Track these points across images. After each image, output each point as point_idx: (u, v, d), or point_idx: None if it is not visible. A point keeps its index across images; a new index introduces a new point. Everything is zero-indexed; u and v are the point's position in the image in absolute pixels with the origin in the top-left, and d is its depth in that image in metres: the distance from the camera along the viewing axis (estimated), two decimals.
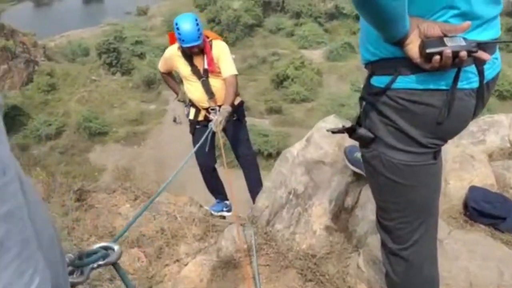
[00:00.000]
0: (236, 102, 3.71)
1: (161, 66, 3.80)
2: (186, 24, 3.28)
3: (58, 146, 26.81)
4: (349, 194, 2.28)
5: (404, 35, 1.13)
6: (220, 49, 3.51)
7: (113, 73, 34.19)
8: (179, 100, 3.92)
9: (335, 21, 41.77)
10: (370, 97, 1.33)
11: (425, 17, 1.16)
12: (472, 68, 1.17)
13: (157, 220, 3.22)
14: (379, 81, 1.28)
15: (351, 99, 28.30)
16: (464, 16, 1.14)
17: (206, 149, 3.61)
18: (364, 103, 1.37)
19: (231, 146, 3.94)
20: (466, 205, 2.17)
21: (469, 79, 1.19)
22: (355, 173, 2.28)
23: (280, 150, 23.25)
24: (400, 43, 1.15)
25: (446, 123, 1.22)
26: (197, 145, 3.40)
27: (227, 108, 3.39)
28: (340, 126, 1.51)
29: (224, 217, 3.94)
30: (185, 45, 3.34)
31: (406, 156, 1.28)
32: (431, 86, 1.19)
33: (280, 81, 32.35)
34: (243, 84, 34.25)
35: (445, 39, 1.11)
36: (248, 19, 39.68)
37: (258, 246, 2.42)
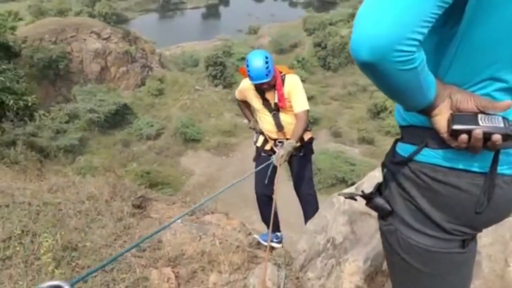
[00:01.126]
0: (306, 138, 3.65)
1: (237, 94, 3.87)
2: (256, 62, 3.28)
3: (155, 146, 28.70)
4: None
5: (428, 105, 0.97)
6: (292, 84, 3.46)
7: (216, 85, 36.01)
8: (250, 127, 3.97)
9: None
10: (392, 165, 1.16)
11: (463, 86, 0.97)
12: None
13: (201, 241, 3.20)
14: (403, 149, 1.12)
15: None
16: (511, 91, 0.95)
17: (266, 182, 3.57)
18: (385, 170, 1.19)
19: (293, 181, 3.84)
20: None
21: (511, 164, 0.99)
22: None
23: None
24: (426, 112, 0.99)
25: (485, 212, 1.01)
26: (253, 171, 3.48)
27: (292, 143, 3.32)
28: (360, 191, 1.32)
29: (272, 248, 3.81)
30: (253, 82, 3.36)
31: (425, 239, 1.09)
32: (460, 166, 1.00)
33: (377, 112, 31.36)
34: (339, 110, 33.87)
35: (480, 116, 0.92)
36: None
37: None
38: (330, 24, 43.00)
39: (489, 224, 1.11)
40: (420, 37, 0.84)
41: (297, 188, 3.87)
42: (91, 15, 38.35)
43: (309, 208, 3.88)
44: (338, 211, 2.31)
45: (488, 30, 0.89)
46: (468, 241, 1.11)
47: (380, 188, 1.22)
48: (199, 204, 2.94)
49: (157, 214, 3.85)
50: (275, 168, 3.59)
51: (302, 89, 3.53)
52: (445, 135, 0.96)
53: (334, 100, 35.59)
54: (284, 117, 3.54)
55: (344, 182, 22.13)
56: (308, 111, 3.48)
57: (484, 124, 0.91)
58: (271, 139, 3.70)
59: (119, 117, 30.08)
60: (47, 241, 2.71)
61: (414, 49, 0.85)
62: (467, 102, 0.94)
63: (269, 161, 3.52)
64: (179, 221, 3.68)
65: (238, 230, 3.46)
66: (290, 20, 49.16)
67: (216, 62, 35.63)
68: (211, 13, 64.53)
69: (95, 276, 2.44)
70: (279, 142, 3.62)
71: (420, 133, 1.06)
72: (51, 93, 29.67)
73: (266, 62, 3.28)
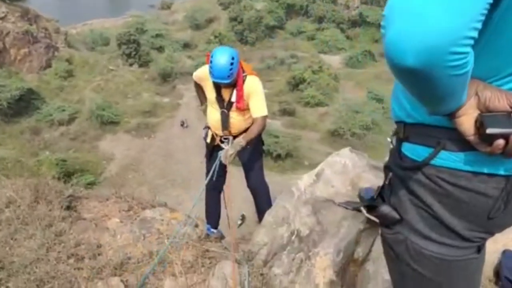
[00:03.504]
0: None
1: (194, 75, 3.66)
2: (220, 60, 3.10)
3: (70, 132, 26.86)
4: (360, 244, 1.98)
5: (457, 108, 0.83)
6: (253, 87, 3.33)
7: (131, 64, 34.29)
8: (201, 110, 3.81)
9: (358, 29, 41.44)
10: (400, 170, 1.02)
11: (488, 80, 0.84)
12: None
13: (146, 240, 2.95)
14: (414, 151, 0.98)
15: (366, 106, 27.90)
16: None
17: (214, 178, 3.48)
18: (390, 174, 1.06)
19: (244, 172, 3.78)
20: (498, 273, 1.85)
21: None
22: (369, 220, 1.98)
23: (289, 152, 23.16)
24: (449, 113, 0.85)
25: (501, 216, 0.92)
26: (207, 178, 3.52)
27: (241, 142, 3.26)
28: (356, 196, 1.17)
29: (220, 238, 3.67)
30: (212, 79, 3.20)
31: (440, 248, 0.98)
32: (485, 170, 0.88)
33: (296, 84, 32.11)
34: None
35: None
36: (270, 21, 39.57)
37: None
38: None
39: (506, 227, 1.04)
40: (476, 34, 0.68)
41: (248, 179, 3.81)
42: None
43: (261, 199, 3.82)
44: (299, 200, 2.20)
45: None
46: (482, 246, 1.03)
47: (382, 193, 1.10)
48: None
49: (91, 213, 3.49)
50: (223, 165, 3.50)
51: (263, 93, 3.41)
52: (472, 138, 0.83)
53: None
54: (234, 115, 3.43)
55: (269, 154, 22.51)
56: (266, 117, 3.40)
57: None
58: (217, 135, 3.59)
59: (24, 103, 27.46)
60: None
61: (468, 49, 0.69)
62: (498, 100, 0.81)
63: (216, 161, 3.44)
64: (117, 220, 3.37)
65: (184, 224, 3.23)
66: None
67: (129, 40, 33.78)
68: None
69: None
70: (225, 138, 3.53)
71: (435, 133, 0.93)
72: None
73: (231, 64, 3.11)
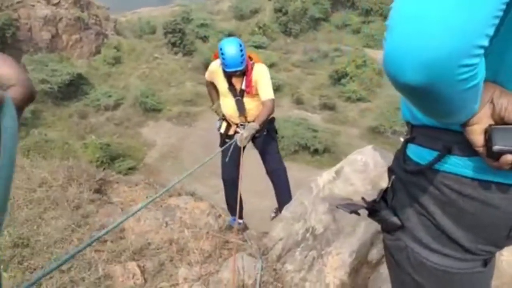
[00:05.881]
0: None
1: (206, 75, 3.97)
2: (231, 49, 3.36)
3: (115, 117, 27.73)
4: (375, 246, 1.91)
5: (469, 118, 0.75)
6: (260, 73, 3.58)
7: (176, 53, 34.83)
8: (212, 109, 4.08)
9: None
10: (403, 173, 0.96)
11: (505, 85, 0.75)
12: None
13: (168, 228, 2.99)
14: (418, 154, 0.91)
15: None
16: None
17: (226, 159, 3.75)
18: (393, 177, 1.00)
19: (262, 159, 3.95)
20: None
21: None
22: None
23: (327, 147, 22.84)
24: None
25: None
26: (217, 152, 3.79)
27: (254, 125, 3.48)
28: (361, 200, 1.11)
29: (244, 230, 3.68)
30: (228, 70, 3.45)
31: (443, 259, 0.92)
32: (494, 179, 0.80)
33: (338, 78, 31.50)
34: (301, 77, 33.71)
35: None
36: (315, 12, 38.97)
37: (263, 284, 2.12)
38: None
39: None
40: (487, 42, 0.59)
41: (266, 165, 3.96)
42: None
43: (281, 182, 3.89)
44: (317, 197, 2.16)
45: None
46: (490, 259, 0.96)
47: (385, 196, 1.04)
48: (166, 189, 2.72)
49: (119, 198, 3.60)
50: (238, 150, 3.66)
51: (269, 79, 3.63)
52: (480, 149, 0.75)
53: (295, 67, 35.33)
54: (248, 102, 3.66)
55: (307, 148, 22.31)
56: (273, 100, 3.62)
57: None
58: (234, 123, 3.84)
59: (73, 88, 28.62)
60: None
61: (478, 60, 0.60)
62: None
63: (232, 141, 3.66)
64: None
65: (207, 213, 3.26)
66: None
67: (175, 29, 34.28)
68: None
69: (51, 278, 2.20)
70: (241, 125, 3.76)
71: (441, 136, 0.85)
72: None
73: (241, 50, 3.37)
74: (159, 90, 30.29)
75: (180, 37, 34.36)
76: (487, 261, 0.95)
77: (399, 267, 1.01)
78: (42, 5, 30.97)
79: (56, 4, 31.45)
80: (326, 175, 2.23)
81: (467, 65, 0.58)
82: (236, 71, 3.45)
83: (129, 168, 20.59)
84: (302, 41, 38.17)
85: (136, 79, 31.58)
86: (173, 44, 34.60)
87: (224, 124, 3.93)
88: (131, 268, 2.44)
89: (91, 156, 20.03)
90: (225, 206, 4.15)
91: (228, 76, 3.58)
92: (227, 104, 3.76)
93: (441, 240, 0.90)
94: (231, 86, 3.63)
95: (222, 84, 3.70)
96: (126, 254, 2.57)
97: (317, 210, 2.08)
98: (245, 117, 3.73)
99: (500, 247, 0.93)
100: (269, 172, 3.95)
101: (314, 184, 2.25)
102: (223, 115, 3.92)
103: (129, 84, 30.84)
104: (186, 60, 34.02)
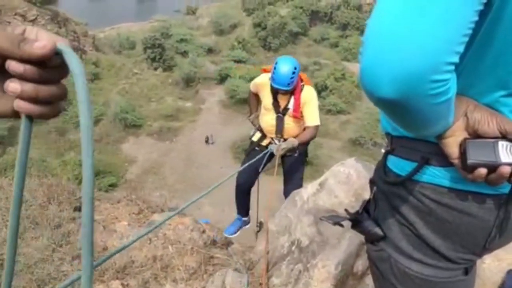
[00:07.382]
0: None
1: (252, 86, 3.94)
2: (284, 67, 3.35)
3: (94, 134, 27.27)
4: (360, 257, 1.93)
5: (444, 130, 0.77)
6: (309, 96, 3.58)
7: (155, 68, 34.80)
8: (248, 119, 4.09)
9: None
10: (384, 184, 0.97)
11: (477, 98, 0.77)
12: None
13: (152, 245, 2.95)
14: (398, 165, 0.93)
15: None
16: None
17: (260, 169, 3.76)
18: (375, 188, 1.02)
19: (284, 179, 3.97)
20: None
21: None
22: None
23: (309, 160, 22.91)
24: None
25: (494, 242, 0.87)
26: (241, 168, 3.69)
27: (294, 142, 3.50)
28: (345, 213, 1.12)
29: (228, 245, 3.66)
30: (273, 85, 3.44)
31: (424, 268, 0.93)
32: (472, 188, 0.81)
33: (318, 91, 31.75)
34: None
35: (501, 144, 0.72)
36: (294, 27, 39.56)
37: None
38: (269, 3, 42.81)
39: (496, 249, 0.98)
40: (457, 58, 0.61)
41: (286, 185, 3.96)
42: None
43: None
44: (301, 210, 2.17)
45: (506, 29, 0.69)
46: (470, 268, 0.98)
47: (367, 207, 1.05)
48: (176, 212, 2.68)
49: (101, 215, 3.53)
50: (268, 159, 3.76)
51: (317, 104, 3.66)
52: (455, 161, 0.77)
53: None
54: (288, 121, 3.66)
55: None
56: (318, 126, 3.63)
57: (506, 158, 0.71)
58: (269, 136, 3.83)
59: None
60: None
61: (449, 76, 0.62)
62: (488, 124, 0.74)
63: (267, 150, 3.69)
64: (125, 223, 3.40)
65: (190, 229, 3.23)
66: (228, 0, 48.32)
67: (154, 44, 34.31)
68: None
69: None
70: (277, 138, 3.78)
71: (419, 147, 0.87)
72: None
73: (293, 73, 3.35)
74: (140, 106, 30.14)
75: (159, 53, 34.38)
76: (469, 270, 0.97)
77: (384, 277, 1.02)
78: (19, 22, 30.65)
79: (33, 21, 31.13)
80: (310, 188, 2.25)
81: (438, 81, 0.61)
82: (280, 89, 3.44)
83: (110, 185, 20.32)
84: (281, 55, 38.59)
85: (116, 94, 31.35)
86: (153, 59, 34.59)
87: (259, 134, 3.91)
88: (114, 287, 2.40)
89: (70, 173, 19.68)
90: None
91: (275, 92, 3.57)
92: (267, 119, 3.75)
93: (422, 249, 0.92)
94: (276, 102, 3.63)
95: (267, 98, 3.69)
96: (109, 273, 2.52)
97: (302, 223, 2.09)
98: (281, 135, 3.74)
99: (479, 255, 0.95)
100: (286, 193, 3.87)
101: (299, 197, 2.26)
102: (259, 126, 3.91)
103: (109, 100, 30.59)
104: (166, 75, 34.04)
